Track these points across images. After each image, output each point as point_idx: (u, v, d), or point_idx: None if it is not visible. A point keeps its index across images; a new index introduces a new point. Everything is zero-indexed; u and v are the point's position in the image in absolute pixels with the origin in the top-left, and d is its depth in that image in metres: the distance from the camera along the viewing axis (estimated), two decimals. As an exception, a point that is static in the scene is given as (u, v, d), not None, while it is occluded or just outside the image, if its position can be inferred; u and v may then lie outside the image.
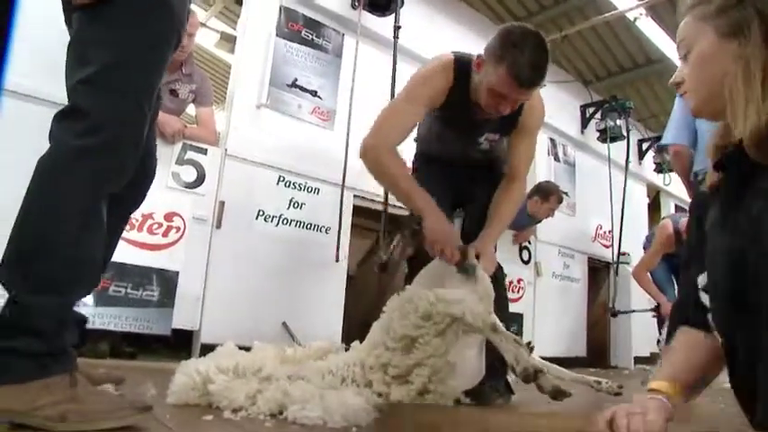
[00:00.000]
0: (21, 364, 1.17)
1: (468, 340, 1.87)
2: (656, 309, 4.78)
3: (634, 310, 5.44)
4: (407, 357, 1.68)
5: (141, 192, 1.76)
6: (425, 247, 2.14)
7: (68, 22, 1.47)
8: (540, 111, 2.42)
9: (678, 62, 1.15)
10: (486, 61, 2.14)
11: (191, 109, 3.68)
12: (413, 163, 2.76)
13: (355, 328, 3.82)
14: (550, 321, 5.26)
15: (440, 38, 4.48)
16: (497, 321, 1.76)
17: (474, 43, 4.79)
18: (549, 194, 4.69)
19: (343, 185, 3.57)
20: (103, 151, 1.29)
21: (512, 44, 2.04)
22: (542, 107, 2.44)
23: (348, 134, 3.57)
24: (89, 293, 1.37)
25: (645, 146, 6.99)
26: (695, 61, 1.07)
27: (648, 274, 4.70)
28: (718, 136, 1.08)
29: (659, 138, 5.71)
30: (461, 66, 2.25)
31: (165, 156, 3.05)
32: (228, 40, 6.22)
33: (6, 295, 1.22)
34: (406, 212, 3.52)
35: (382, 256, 2.71)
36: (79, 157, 1.26)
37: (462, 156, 2.58)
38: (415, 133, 2.64)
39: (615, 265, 5.69)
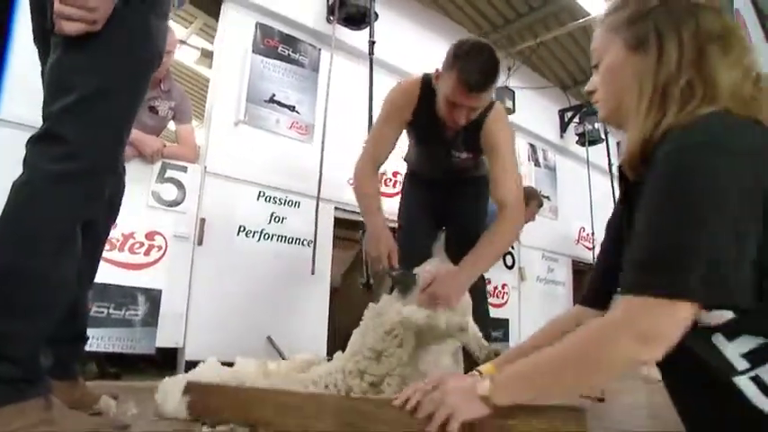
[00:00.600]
0: None
1: (443, 348, 1.92)
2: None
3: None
4: (380, 367, 1.73)
5: (114, 208, 1.78)
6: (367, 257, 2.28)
7: (40, 42, 1.48)
8: (502, 123, 2.40)
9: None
10: (441, 73, 2.24)
11: (171, 125, 3.68)
12: (402, 182, 2.88)
13: (342, 339, 3.82)
14: (536, 326, 5.27)
15: (416, 48, 4.54)
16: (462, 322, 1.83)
17: (446, 51, 4.87)
18: (529, 199, 4.73)
19: (318, 198, 3.60)
20: (82, 177, 1.29)
21: (462, 53, 2.15)
22: (504, 120, 2.43)
23: (323, 147, 3.61)
24: (61, 317, 1.37)
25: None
26: (604, 72, 1.10)
27: None
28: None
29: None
30: (427, 83, 2.34)
31: (145, 175, 3.08)
32: (209, 57, 6.24)
33: None
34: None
35: (361, 278, 2.81)
36: (57, 182, 1.26)
37: (441, 172, 2.64)
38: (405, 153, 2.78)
39: (591, 267, 5.74)
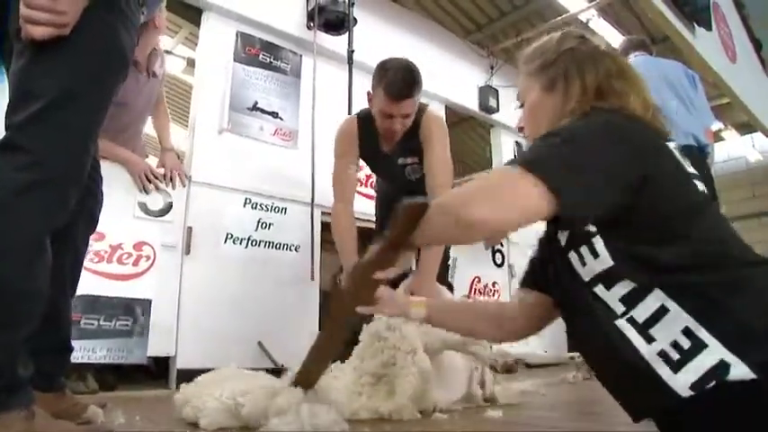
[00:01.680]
0: None
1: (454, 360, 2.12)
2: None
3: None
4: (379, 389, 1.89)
5: (94, 220, 1.80)
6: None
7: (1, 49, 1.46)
8: (437, 123, 2.72)
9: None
10: (372, 93, 2.60)
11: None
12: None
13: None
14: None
15: (397, 51, 4.57)
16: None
17: (430, 53, 4.93)
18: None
19: (312, 203, 3.64)
20: (46, 187, 1.27)
21: (384, 70, 2.52)
22: (438, 120, 2.76)
23: (313, 152, 3.64)
24: (41, 327, 1.37)
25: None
26: (527, 110, 1.29)
27: None
28: None
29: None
30: (361, 116, 2.73)
31: (132, 186, 3.10)
32: (194, 66, 6.28)
33: None
34: (368, 225, 3.60)
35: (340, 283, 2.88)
36: (21, 192, 1.23)
37: (399, 187, 2.84)
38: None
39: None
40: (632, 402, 1.01)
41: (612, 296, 0.98)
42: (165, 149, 3.36)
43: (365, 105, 2.72)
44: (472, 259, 4.81)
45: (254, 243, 3.54)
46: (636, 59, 3.43)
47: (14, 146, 1.24)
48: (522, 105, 1.31)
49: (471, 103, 5.59)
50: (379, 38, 4.51)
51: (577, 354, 2.76)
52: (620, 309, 0.97)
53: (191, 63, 6.51)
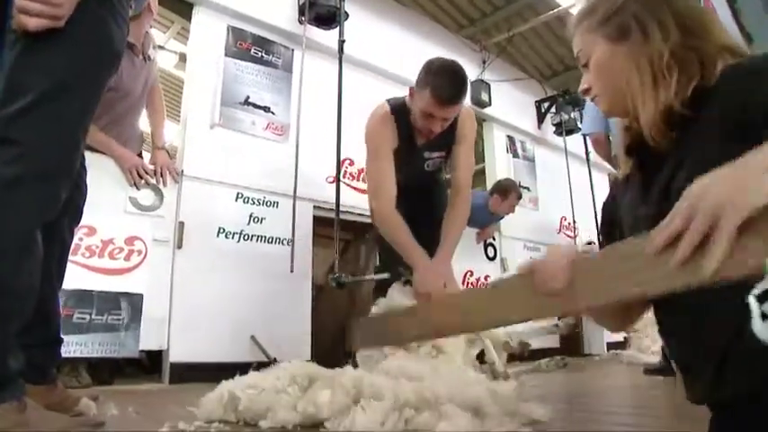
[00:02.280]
0: None
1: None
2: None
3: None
4: None
5: (78, 209, 1.79)
6: (414, 296, 2.42)
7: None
8: (472, 122, 2.82)
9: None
10: (415, 90, 2.58)
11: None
12: None
13: (328, 335, 3.90)
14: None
15: (389, 45, 4.59)
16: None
17: (422, 47, 4.93)
18: (507, 192, 4.81)
19: (294, 196, 3.65)
20: (37, 181, 1.26)
21: (433, 72, 2.49)
22: (472, 118, 2.85)
23: (297, 145, 3.66)
24: (31, 321, 1.38)
25: (589, 140, 7.14)
26: (595, 68, 1.17)
27: None
28: (624, 126, 1.18)
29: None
30: (395, 108, 2.68)
31: (123, 181, 3.11)
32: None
33: None
34: (360, 219, 3.62)
35: (332, 277, 2.99)
36: (11, 187, 1.23)
37: (413, 180, 2.86)
38: None
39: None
40: (736, 382, 0.88)
41: None
42: (157, 148, 3.38)
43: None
44: (464, 253, 4.82)
45: (246, 237, 3.55)
46: None
47: (4, 139, 1.23)
48: (585, 65, 1.20)
49: (463, 97, 5.56)
50: (370, 32, 4.52)
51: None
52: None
53: (182, 58, 6.48)
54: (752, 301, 0.83)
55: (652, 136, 1.05)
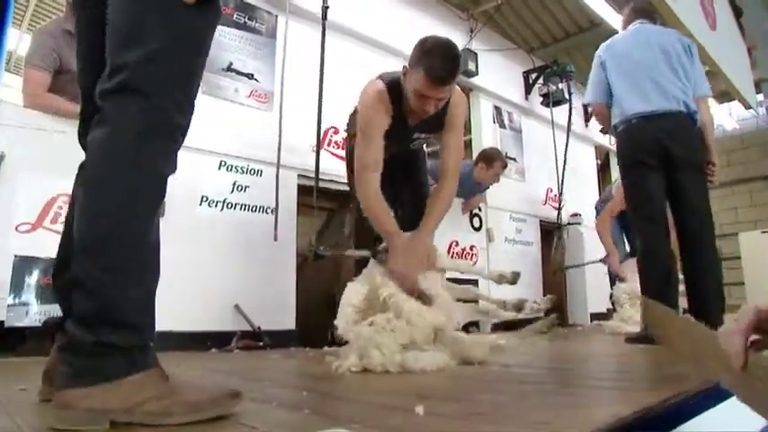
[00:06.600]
0: (113, 361, 1.15)
1: None
2: (604, 259, 4.98)
3: (582, 264, 5.65)
4: None
5: None
6: (387, 273, 2.38)
7: None
8: (463, 106, 2.81)
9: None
10: (409, 70, 2.52)
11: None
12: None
13: (314, 303, 3.90)
14: (505, 286, 5.38)
15: (375, 12, 4.52)
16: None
17: (408, 15, 4.87)
18: (492, 160, 4.80)
19: (278, 165, 3.60)
20: (165, 134, 1.25)
21: (426, 50, 2.43)
22: (464, 103, 2.84)
23: (281, 113, 3.61)
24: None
25: (590, 109, 7.13)
26: None
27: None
28: None
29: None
30: (391, 87, 2.61)
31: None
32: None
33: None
34: (344, 188, 3.60)
35: (311, 249, 3.01)
36: (142, 140, 1.21)
37: (397, 153, 2.88)
38: None
39: (559, 226, 5.92)
40: None
41: None
42: None
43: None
44: (450, 223, 4.83)
45: (229, 206, 3.52)
46: (633, 29, 3.41)
47: (132, 89, 1.21)
48: None
49: (450, 66, 5.50)
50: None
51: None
52: None
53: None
54: None
55: None
